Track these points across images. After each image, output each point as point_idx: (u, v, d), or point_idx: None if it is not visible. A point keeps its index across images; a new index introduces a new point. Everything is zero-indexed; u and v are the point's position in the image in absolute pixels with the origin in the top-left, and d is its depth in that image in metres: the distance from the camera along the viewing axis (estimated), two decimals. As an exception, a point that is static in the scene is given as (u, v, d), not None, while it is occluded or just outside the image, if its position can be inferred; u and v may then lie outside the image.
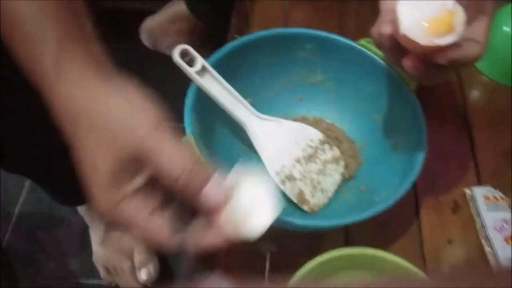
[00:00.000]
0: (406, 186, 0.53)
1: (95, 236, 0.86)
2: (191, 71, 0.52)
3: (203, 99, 0.55)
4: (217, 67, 0.55)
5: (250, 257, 0.58)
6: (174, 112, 1.15)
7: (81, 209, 0.86)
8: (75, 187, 0.77)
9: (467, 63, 0.51)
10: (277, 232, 0.60)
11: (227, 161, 0.57)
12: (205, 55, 0.86)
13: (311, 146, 0.60)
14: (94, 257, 0.86)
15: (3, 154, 0.65)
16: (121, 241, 0.83)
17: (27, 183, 1.02)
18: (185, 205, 0.40)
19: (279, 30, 0.62)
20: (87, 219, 0.86)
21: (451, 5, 0.47)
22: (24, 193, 1.01)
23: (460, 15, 0.47)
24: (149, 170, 0.39)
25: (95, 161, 0.38)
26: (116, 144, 0.38)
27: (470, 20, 0.50)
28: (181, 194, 0.39)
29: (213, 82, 0.55)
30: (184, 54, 0.52)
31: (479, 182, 0.68)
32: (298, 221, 0.52)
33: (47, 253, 0.92)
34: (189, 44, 0.91)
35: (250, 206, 0.40)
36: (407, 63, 0.49)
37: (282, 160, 0.58)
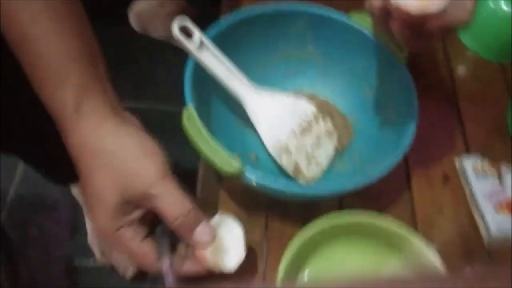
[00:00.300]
0: (399, 156, 0.55)
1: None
2: (189, 46, 0.53)
3: (201, 73, 0.56)
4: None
5: (247, 224, 0.60)
6: (166, 93, 1.17)
7: (75, 191, 0.87)
8: (70, 165, 0.78)
9: (455, 28, 0.51)
10: (273, 203, 0.62)
11: (225, 133, 0.59)
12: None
13: (305, 120, 0.62)
14: (89, 238, 0.86)
15: None
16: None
17: (20, 167, 1.02)
18: (167, 233, 0.48)
19: (271, 7, 0.63)
20: (81, 199, 0.87)
21: None
22: (17, 178, 1.02)
23: None
24: (149, 207, 0.45)
25: (104, 195, 0.43)
26: (125, 185, 0.43)
27: None
28: (176, 230, 0.46)
29: (211, 57, 0.56)
30: (182, 29, 0.53)
31: (468, 153, 0.70)
32: (294, 189, 0.53)
33: (41, 237, 0.92)
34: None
35: (227, 246, 0.50)
36: (395, 27, 0.50)
37: (278, 133, 0.60)
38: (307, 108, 0.62)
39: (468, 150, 0.70)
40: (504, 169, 0.66)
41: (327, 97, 0.69)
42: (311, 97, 0.69)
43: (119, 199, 0.43)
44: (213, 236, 0.48)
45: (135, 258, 0.46)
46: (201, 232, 0.47)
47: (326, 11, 0.64)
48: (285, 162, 0.60)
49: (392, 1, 0.48)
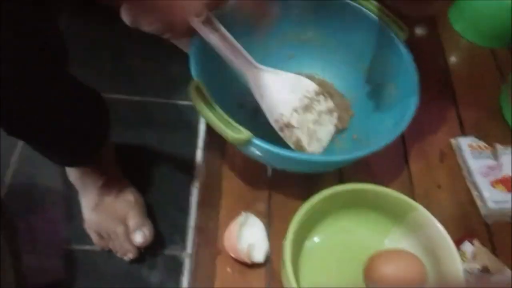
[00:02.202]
0: (399, 130, 0.56)
1: (87, 201, 0.85)
2: (195, 21, 0.54)
3: (205, 49, 0.56)
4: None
5: (250, 201, 0.61)
6: (157, 86, 1.17)
7: (73, 174, 0.86)
8: (73, 147, 0.78)
9: None
10: (275, 177, 0.63)
11: (229, 108, 0.60)
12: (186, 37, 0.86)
13: (307, 97, 0.63)
14: (86, 223, 0.86)
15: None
16: (114, 205, 0.84)
17: (17, 151, 1.02)
18: None
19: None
20: (78, 184, 0.86)
21: None
22: (13, 164, 1.01)
23: None
24: None
25: None
26: None
27: None
28: None
29: (216, 33, 0.56)
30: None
31: (463, 133, 0.71)
32: (300, 155, 0.54)
33: (37, 222, 0.92)
34: (171, 22, 0.92)
35: (253, 241, 0.57)
36: None
37: (280, 108, 0.61)
38: (309, 85, 0.63)
39: (463, 131, 0.72)
40: (499, 147, 0.68)
41: (325, 78, 0.70)
42: (310, 77, 0.70)
43: None
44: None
45: None
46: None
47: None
48: (287, 137, 0.60)
49: None
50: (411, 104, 0.58)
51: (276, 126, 0.60)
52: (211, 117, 0.51)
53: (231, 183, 0.62)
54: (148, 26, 1.10)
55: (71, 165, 0.85)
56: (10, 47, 0.59)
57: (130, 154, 1.01)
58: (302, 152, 0.55)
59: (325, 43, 0.69)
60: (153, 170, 1.03)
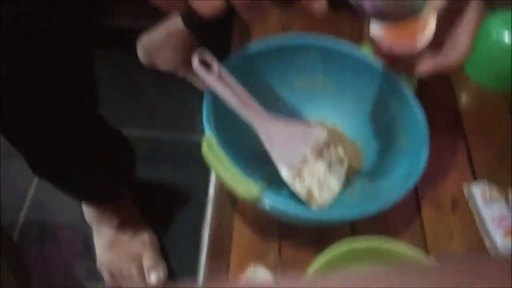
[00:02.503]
0: (411, 183, 0.56)
1: (102, 239, 0.87)
2: (208, 77, 0.55)
3: (217, 101, 0.57)
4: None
5: (261, 251, 0.61)
6: (172, 123, 1.18)
7: (89, 211, 0.88)
8: (96, 186, 0.79)
9: (447, 72, 0.53)
10: (286, 229, 0.63)
11: (239, 160, 0.60)
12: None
13: (317, 146, 0.63)
14: (99, 261, 0.87)
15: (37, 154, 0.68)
16: (129, 244, 0.85)
17: (32, 189, 1.03)
18: None
19: (283, 39, 0.65)
20: (94, 222, 0.88)
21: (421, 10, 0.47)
22: (28, 200, 1.03)
23: (430, 24, 0.49)
24: None
25: None
26: None
27: (451, 27, 0.52)
28: None
29: (227, 86, 0.57)
30: (201, 61, 0.55)
31: (475, 179, 0.71)
32: (311, 214, 0.54)
33: (50, 259, 0.93)
34: (185, 60, 0.95)
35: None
36: (376, 51, 0.52)
37: (291, 158, 0.61)
38: (319, 134, 0.64)
39: (475, 176, 0.71)
40: (512, 194, 0.67)
41: (336, 125, 0.71)
42: (320, 125, 0.70)
43: None
44: None
45: None
46: None
47: (336, 43, 0.66)
48: (298, 188, 0.61)
49: (371, 33, 0.50)
50: (421, 157, 0.58)
51: (286, 177, 0.60)
52: (222, 175, 0.51)
53: (241, 233, 0.63)
54: (162, 64, 1.14)
55: (90, 201, 0.86)
56: (51, 96, 0.61)
57: (145, 190, 1.03)
58: (311, 210, 0.55)
59: (335, 91, 0.69)
60: (166, 208, 1.04)
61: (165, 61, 1.24)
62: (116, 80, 1.23)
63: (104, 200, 0.84)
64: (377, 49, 0.52)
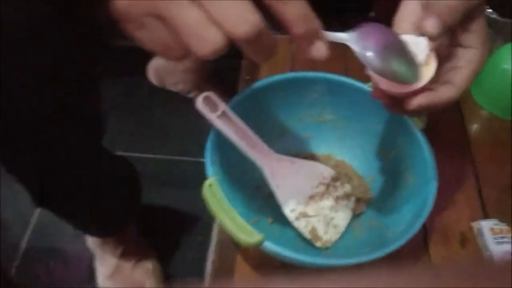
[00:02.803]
0: (418, 225, 0.55)
1: (104, 268, 0.87)
2: (212, 117, 0.55)
3: (221, 140, 0.57)
4: (233, 110, 0.58)
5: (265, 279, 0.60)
6: (183, 145, 1.18)
7: (93, 241, 0.88)
8: (101, 219, 0.79)
9: (440, 108, 0.51)
10: (291, 267, 0.62)
11: (244, 198, 0.60)
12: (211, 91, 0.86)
13: (323, 183, 0.63)
14: (101, 283, 0.87)
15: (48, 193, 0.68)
16: (132, 273, 0.84)
17: (34, 217, 1.04)
18: None
19: (290, 74, 0.65)
20: (97, 251, 0.88)
21: (423, 50, 0.48)
22: (30, 228, 1.03)
23: (430, 65, 0.48)
24: None
25: None
26: None
27: (449, 61, 0.51)
28: None
29: (231, 125, 0.57)
30: (205, 99, 0.55)
31: (485, 215, 0.70)
32: (314, 261, 0.53)
33: (53, 284, 0.93)
34: (196, 82, 0.93)
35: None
36: (374, 94, 0.51)
37: (296, 197, 0.61)
38: (325, 171, 0.64)
39: (485, 211, 0.70)
40: (522, 231, 0.66)
41: (344, 159, 0.70)
42: (327, 158, 0.70)
43: None
44: None
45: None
46: None
47: (344, 78, 0.66)
48: (303, 227, 0.60)
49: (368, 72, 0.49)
50: (429, 197, 0.57)
51: (290, 217, 0.60)
52: (223, 219, 0.51)
53: (245, 260, 0.62)
54: (173, 85, 1.13)
55: (95, 235, 0.86)
56: (54, 125, 0.60)
57: (150, 215, 1.02)
58: (314, 257, 0.55)
59: (343, 125, 0.69)
60: (171, 233, 1.04)
61: (176, 83, 1.24)
62: (126, 101, 1.23)
63: (108, 234, 0.84)
64: (375, 87, 0.52)
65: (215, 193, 0.53)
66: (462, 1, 0.48)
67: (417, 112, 0.51)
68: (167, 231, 1.03)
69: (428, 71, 0.49)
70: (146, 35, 0.37)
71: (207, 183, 0.53)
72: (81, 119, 0.65)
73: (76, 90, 0.62)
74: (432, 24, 0.47)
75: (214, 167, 0.56)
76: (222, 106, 0.57)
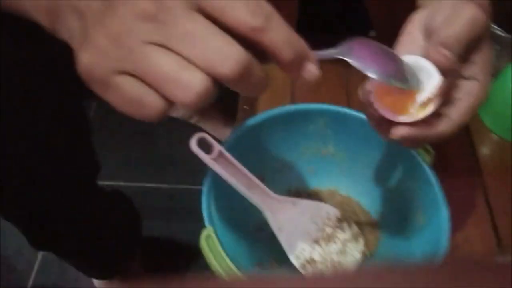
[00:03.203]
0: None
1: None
2: (208, 160, 0.51)
3: (219, 182, 0.54)
4: (231, 147, 0.54)
5: None
6: (186, 173, 1.14)
7: (98, 282, 0.84)
8: (102, 260, 0.76)
9: (431, 142, 0.48)
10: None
11: (245, 241, 0.56)
12: (213, 120, 0.81)
13: (329, 225, 0.59)
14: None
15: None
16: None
17: (39, 258, 1.01)
18: None
19: (289, 108, 0.62)
20: None
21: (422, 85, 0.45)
22: (35, 269, 1.00)
23: (429, 105, 0.45)
24: None
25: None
26: None
27: (447, 97, 0.47)
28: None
29: (228, 166, 0.54)
30: (200, 141, 0.52)
31: (499, 247, 0.66)
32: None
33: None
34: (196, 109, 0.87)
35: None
36: (368, 112, 0.48)
37: (301, 242, 0.57)
38: (330, 212, 0.60)
39: (500, 245, 0.66)
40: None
41: (349, 194, 0.66)
42: (332, 194, 0.66)
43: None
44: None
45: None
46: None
47: (347, 109, 0.62)
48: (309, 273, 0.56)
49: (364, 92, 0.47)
50: (442, 241, 0.53)
51: (296, 263, 0.56)
52: (220, 274, 0.47)
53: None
54: (175, 112, 1.09)
55: (98, 277, 0.83)
56: (47, 169, 0.58)
57: (153, 247, 0.99)
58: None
59: (347, 158, 0.65)
60: (174, 266, 1.01)
61: (176, 108, 1.21)
62: (125, 130, 1.20)
63: (111, 275, 0.80)
64: (370, 114, 0.48)
65: (213, 244, 0.49)
66: (467, 29, 0.44)
67: (403, 143, 0.47)
68: (171, 263, 1.00)
69: (426, 109, 0.45)
70: (116, 95, 0.32)
71: (204, 234, 0.49)
72: (74, 161, 0.62)
73: (69, 136, 0.60)
74: (445, 57, 0.44)
75: (211, 214, 0.52)
76: (218, 147, 0.53)
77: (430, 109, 0.45)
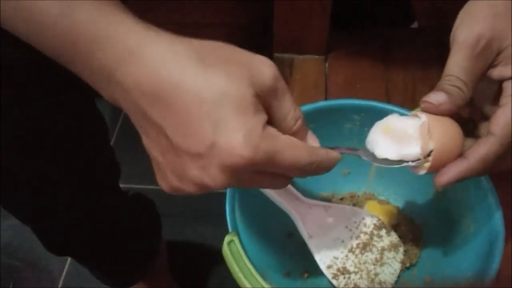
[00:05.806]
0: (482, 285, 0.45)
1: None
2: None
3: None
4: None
5: None
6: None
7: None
8: (123, 267, 0.73)
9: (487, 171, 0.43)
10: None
11: (273, 251, 0.52)
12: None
13: (365, 233, 0.53)
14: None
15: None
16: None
17: (69, 260, 1.01)
18: None
19: (321, 103, 0.57)
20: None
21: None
22: (65, 272, 1.01)
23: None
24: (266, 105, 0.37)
25: (233, 91, 0.34)
26: (254, 75, 0.35)
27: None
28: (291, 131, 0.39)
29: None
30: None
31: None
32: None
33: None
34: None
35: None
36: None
37: (333, 250, 0.52)
38: (366, 218, 0.54)
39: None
40: None
41: (389, 199, 0.61)
42: (369, 198, 0.61)
43: (252, 92, 0.34)
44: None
45: (295, 153, 0.37)
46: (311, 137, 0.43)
47: (385, 105, 0.56)
48: (343, 285, 0.51)
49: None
50: (496, 250, 0.47)
51: (328, 274, 0.51)
52: (243, 283, 0.42)
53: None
54: None
55: (117, 286, 0.80)
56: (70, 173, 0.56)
57: (174, 250, 0.97)
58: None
59: (385, 160, 0.59)
60: (198, 269, 0.99)
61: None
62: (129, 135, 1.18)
63: (133, 280, 0.78)
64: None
65: (236, 251, 0.44)
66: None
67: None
68: (193, 268, 0.98)
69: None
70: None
71: (226, 240, 0.45)
72: (95, 164, 0.60)
73: (90, 138, 0.57)
74: None
75: (235, 218, 0.47)
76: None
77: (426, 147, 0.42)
